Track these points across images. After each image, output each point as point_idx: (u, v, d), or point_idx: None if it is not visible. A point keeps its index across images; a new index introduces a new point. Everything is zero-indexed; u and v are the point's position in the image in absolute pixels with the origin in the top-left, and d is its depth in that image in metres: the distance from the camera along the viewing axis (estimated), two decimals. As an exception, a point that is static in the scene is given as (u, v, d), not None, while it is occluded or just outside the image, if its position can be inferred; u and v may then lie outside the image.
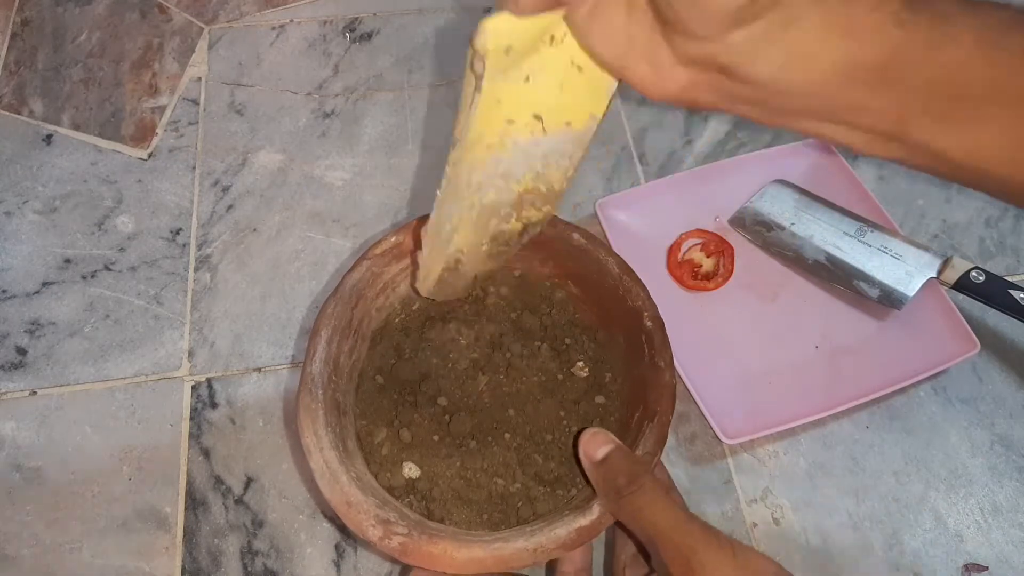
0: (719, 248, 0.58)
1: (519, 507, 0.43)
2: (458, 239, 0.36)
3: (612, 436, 0.38)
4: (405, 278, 0.48)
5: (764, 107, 0.26)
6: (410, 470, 0.43)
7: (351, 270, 0.45)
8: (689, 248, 0.59)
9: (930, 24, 0.23)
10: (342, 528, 0.48)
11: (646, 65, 0.25)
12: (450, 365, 0.48)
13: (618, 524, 0.39)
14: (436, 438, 0.45)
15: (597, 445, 0.38)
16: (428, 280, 0.41)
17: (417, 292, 0.43)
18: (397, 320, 0.49)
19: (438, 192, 0.33)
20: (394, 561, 0.48)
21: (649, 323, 0.44)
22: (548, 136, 0.30)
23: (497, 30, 0.25)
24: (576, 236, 0.47)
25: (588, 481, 0.39)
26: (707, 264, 0.58)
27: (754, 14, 0.22)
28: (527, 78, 0.27)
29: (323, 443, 0.40)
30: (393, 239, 0.46)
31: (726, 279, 0.57)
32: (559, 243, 0.47)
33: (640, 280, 0.45)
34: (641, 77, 0.26)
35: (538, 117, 0.29)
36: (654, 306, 0.44)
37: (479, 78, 0.26)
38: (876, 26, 0.23)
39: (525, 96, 0.28)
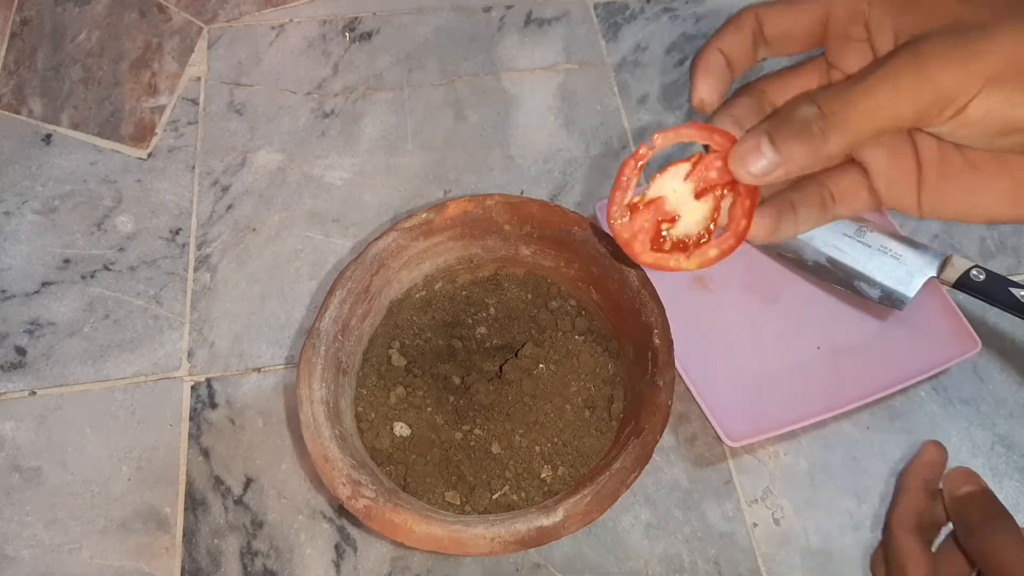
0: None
1: (492, 496, 0.43)
2: None
3: (978, 477, 0.40)
4: (431, 255, 0.48)
5: None
6: (401, 428, 0.44)
7: (377, 239, 0.46)
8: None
9: None
10: (341, 528, 0.48)
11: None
12: (460, 346, 0.48)
13: (967, 558, 0.40)
14: (430, 409, 0.45)
15: (961, 482, 0.40)
16: None
17: None
18: (418, 296, 0.49)
19: None
20: (391, 542, 0.48)
21: (657, 341, 0.44)
22: None
23: None
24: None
25: (547, 491, 0.40)
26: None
27: None
28: None
29: (314, 396, 0.41)
30: (424, 215, 0.46)
31: (735, 243, 0.57)
32: (586, 247, 0.47)
33: (657, 296, 0.45)
34: None
35: None
36: (666, 325, 0.44)
37: None
38: None
39: None
